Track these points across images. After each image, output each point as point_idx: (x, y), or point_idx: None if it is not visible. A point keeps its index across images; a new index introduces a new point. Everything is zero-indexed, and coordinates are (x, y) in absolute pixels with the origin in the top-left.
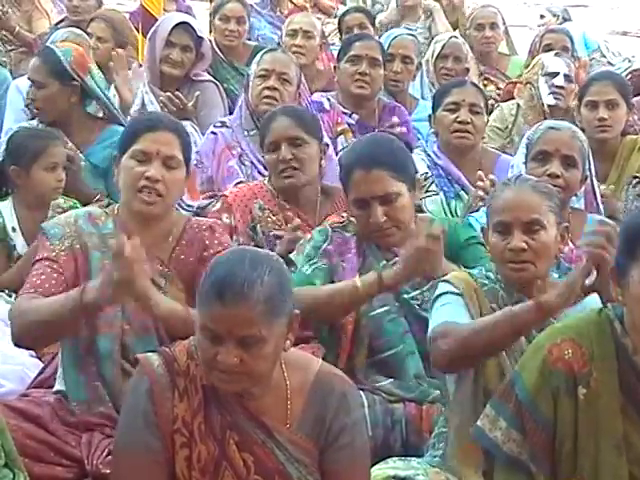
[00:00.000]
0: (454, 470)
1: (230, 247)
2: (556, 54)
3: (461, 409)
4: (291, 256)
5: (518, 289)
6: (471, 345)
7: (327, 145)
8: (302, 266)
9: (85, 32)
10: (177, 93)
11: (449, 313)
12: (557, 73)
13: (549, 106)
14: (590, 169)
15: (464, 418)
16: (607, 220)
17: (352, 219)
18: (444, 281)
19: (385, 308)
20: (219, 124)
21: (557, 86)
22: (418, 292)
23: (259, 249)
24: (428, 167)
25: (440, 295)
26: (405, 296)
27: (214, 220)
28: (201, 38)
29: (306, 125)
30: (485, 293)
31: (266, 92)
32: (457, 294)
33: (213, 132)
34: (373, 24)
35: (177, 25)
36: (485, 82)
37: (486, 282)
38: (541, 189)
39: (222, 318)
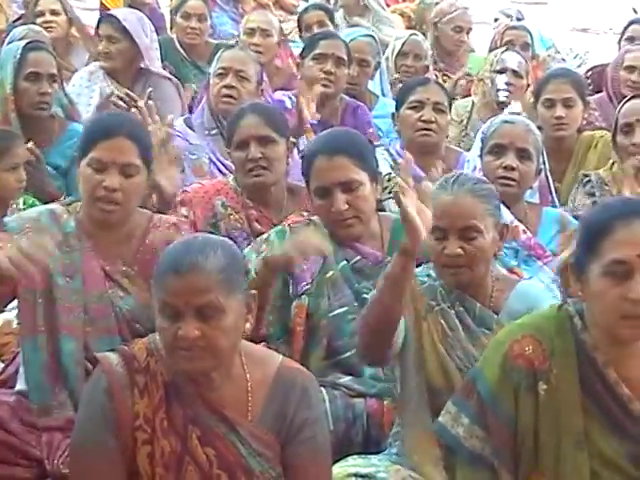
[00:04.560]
0: (415, 466)
1: None
2: (507, 50)
3: (408, 407)
4: (245, 252)
5: (457, 287)
6: (370, 322)
7: (294, 143)
8: (253, 266)
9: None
10: (126, 91)
11: None
12: (506, 69)
13: (500, 103)
14: (544, 163)
15: (412, 415)
16: None
17: (313, 218)
18: None
19: (345, 309)
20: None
21: (506, 83)
22: None
23: (212, 235)
24: (391, 167)
25: None
26: (365, 295)
27: (178, 219)
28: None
29: (275, 124)
30: (424, 290)
31: (224, 91)
32: None
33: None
34: (333, 21)
35: (104, 18)
36: (444, 78)
37: (426, 280)
38: (478, 192)
39: (179, 289)
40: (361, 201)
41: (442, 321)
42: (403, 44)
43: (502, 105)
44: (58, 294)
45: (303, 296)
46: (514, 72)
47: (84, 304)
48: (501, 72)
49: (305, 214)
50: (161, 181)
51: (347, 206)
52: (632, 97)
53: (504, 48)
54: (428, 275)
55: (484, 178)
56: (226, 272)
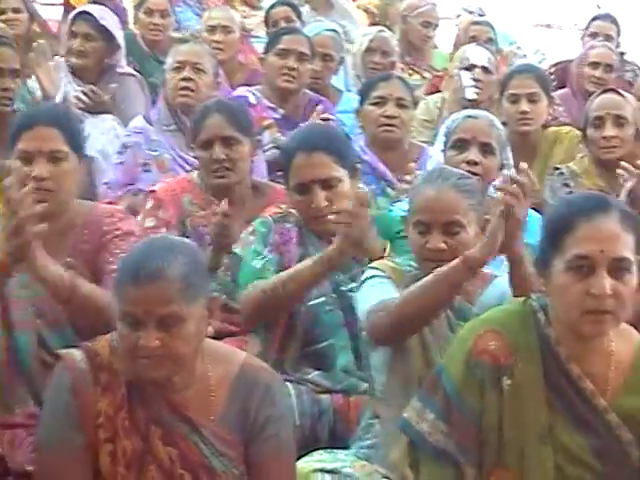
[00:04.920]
0: (385, 462)
1: (130, 232)
2: (477, 45)
3: (392, 399)
4: (236, 251)
5: None
6: (406, 312)
7: (259, 141)
8: (252, 260)
9: None
10: (92, 87)
11: (382, 291)
12: (475, 65)
13: (469, 100)
14: (508, 158)
15: (392, 410)
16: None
17: (291, 210)
18: (371, 267)
19: (322, 299)
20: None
21: (475, 79)
22: (355, 284)
23: (173, 237)
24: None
25: (368, 278)
26: (343, 288)
27: (119, 208)
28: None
29: (240, 124)
30: (410, 278)
31: (182, 83)
32: (385, 277)
33: (136, 129)
34: (300, 17)
35: (79, 15)
36: (410, 72)
37: (410, 269)
38: (462, 187)
39: (139, 299)
40: (340, 197)
41: None
42: (371, 41)
43: (471, 102)
44: (8, 289)
45: None
46: (484, 68)
47: (33, 297)
48: (467, 69)
49: (283, 207)
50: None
51: (326, 203)
52: (603, 91)
53: (474, 44)
54: (410, 265)
55: (467, 173)
56: (188, 279)
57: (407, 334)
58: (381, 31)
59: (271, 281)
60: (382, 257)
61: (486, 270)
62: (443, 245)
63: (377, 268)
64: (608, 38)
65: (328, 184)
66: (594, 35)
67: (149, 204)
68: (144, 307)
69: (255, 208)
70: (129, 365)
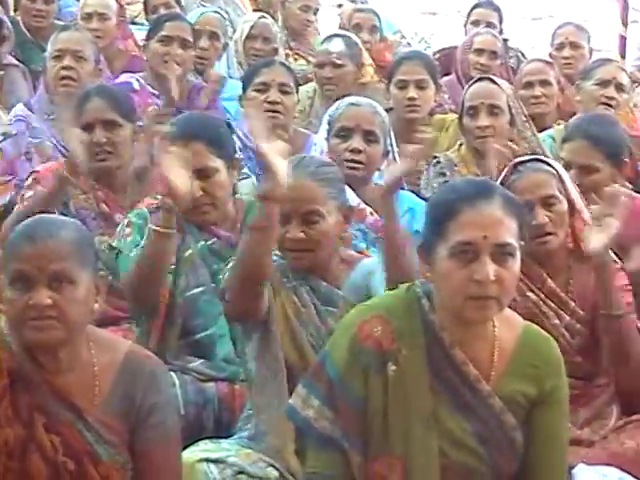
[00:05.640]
0: (269, 449)
1: None
2: (336, 35)
3: (264, 387)
4: (113, 244)
5: (302, 270)
6: (239, 271)
7: (141, 126)
8: (130, 252)
9: None
10: None
11: None
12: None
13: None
14: (392, 144)
15: (267, 398)
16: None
17: (167, 201)
18: None
19: (201, 288)
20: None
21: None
22: None
23: None
24: (239, 149)
25: None
26: (221, 277)
27: None
28: None
29: (121, 108)
30: (276, 267)
31: (63, 72)
32: None
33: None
34: (179, 3)
35: None
36: (296, 57)
37: (276, 259)
38: (320, 176)
39: (33, 255)
40: (216, 187)
41: (295, 298)
42: (251, 27)
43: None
44: None
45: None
46: (333, 63)
47: None
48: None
49: (159, 197)
50: None
51: (202, 193)
52: (477, 80)
53: (333, 34)
54: (276, 255)
55: (329, 161)
56: (79, 244)
57: (252, 297)
58: (262, 17)
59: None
60: None
61: (352, 253)
62: (302, 235)
63: None
64: (490, 25)
65: (204, 174)
66: (476, 23)
67: (29, 181)
68: (37, 263)
69: (137, 194)
70: (19, 331)
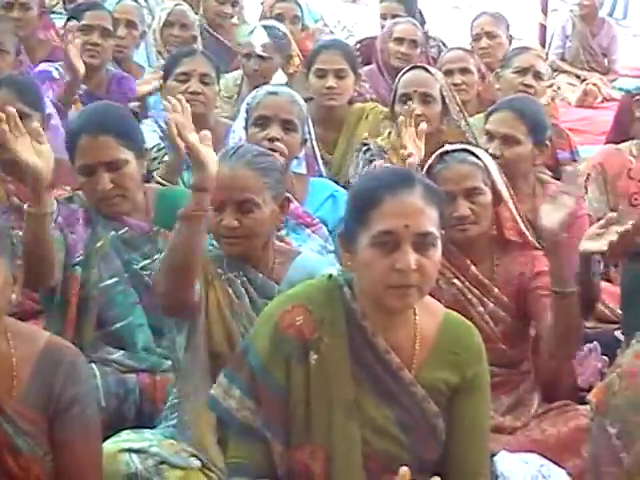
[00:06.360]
0: (192, 439)
1: None
2: (262, 26)
3: (192, 376)
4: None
5: (236, 258)
6: (169, 264)
7: (50, 115)
8: None
9: None
10: None
11: None
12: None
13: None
14: (310, 133)
15: (193, 387)
16: None
17: (77, 192)
18: None
19: (115, 279)
20: None
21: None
22: (148, 262)
23: None
24: (160, 138)
25: None
26: (135, 266)
27: None
28: None
29: (27, 97)
30: (211, 257)
31: None
32: None
33: None
34: None
35: None
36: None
37: (211, 249)
38: (257, 165)
39: None
40: (126, 179)
41: (229, 289)
42: (168, 14)
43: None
44: None
45: (76, 266)
46: (258, 55)
47: None
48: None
49: (68, 188)
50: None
51: (112, 185)
52: (410, 68)
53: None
54: (212, 245)
55: (267, 151)
56: None
57: (180, 291)
58: (178, 4)
59: None
60: None
61: (292, 247)
62: (236, 223)
63: None
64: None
65: (114, 166)
66: (383, 16)
67: None
68: None
69: (52, 185)
70: None
